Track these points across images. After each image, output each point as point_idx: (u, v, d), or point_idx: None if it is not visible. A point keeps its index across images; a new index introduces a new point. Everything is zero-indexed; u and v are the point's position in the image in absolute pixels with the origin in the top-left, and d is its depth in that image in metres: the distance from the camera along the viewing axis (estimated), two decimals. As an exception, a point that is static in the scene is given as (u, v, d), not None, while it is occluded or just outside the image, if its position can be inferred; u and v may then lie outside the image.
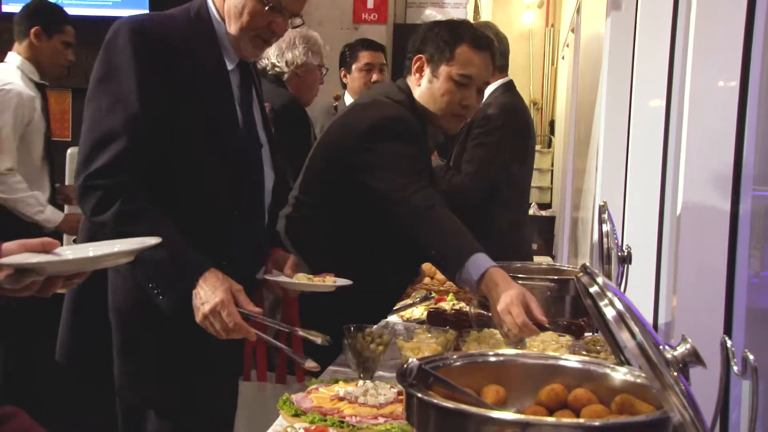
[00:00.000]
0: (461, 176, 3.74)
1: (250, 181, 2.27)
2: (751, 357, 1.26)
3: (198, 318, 2.04)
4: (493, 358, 1.52)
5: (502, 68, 3.98)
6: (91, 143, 2.08)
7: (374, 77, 4.61)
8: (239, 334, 2.04)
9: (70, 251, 1.59)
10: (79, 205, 2.11)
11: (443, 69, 2.70)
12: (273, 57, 3.94)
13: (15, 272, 1.47)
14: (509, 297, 2.19)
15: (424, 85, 2.75)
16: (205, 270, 2.06)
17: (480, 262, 2.31)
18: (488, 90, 3.78)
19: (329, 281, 2.37)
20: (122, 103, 2.08)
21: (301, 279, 2.35)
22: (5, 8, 6.60)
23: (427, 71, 2.74)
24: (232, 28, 2.20)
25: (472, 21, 6.82)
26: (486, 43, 2.74)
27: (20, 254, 1.53)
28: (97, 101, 2.11)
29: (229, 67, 2.23)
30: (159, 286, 2.07)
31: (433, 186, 2.59)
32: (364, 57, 4.60)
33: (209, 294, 2.02)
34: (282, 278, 2.35)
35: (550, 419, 1.32)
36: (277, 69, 3.93)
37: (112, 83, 2.10)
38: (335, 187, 2.73)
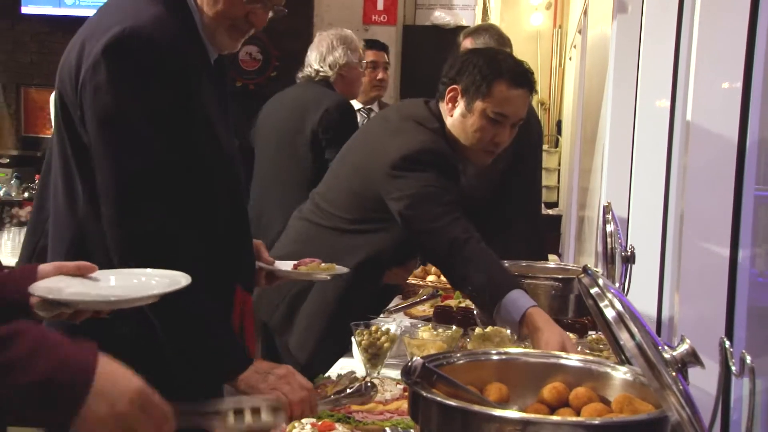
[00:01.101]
0: (466, 177, 3.75)
1: (240, 178, 2.15)
2: (748, 358, 1.28)
3: (269, 381, 1.85)
4: (496, 357, 1.54)
5: None
6: (137, 185, 1.84)
7: (379, 75, 4.70)
8: (310, 398, 1.87)
9: (113, 277, 1.56)
10: (120, 258, 1.83)
11: (478, 105, 2.58)
12: (315, 63, 4.00)
13: (45, 301, 1.45)
14: (549, 346, 2.14)
15: (457, 117, 2.64)
16: (249, 365, 1.89)
17: (519, 301, 2.25)
18: None
19: (327, 268, 2.37)
20: (165, 143, 1.86)
21: (314, 267, 2.35)
22: (24, 10, 6.67)
23: (461, 104, 2.62)
24: (207, 15, 2.00)
25: (480, 21, 6.86)
26: (525, 80, 2.61)
27: (55, 277, 1.51)
28: (124, 134, 1.85)
29: (211, 62, 2.08)
30: (192, 373, 1.90)
31: (467, 217, 2.51)
32: (369, 55, 4.66)
33: (269, 367, 1.89)
34: (279, 267, 2.32)
35: (552, 417, 1.35)
36: (321, 74, 4.00)
37: (142, 111, 1.85)
38: (364, 205, 2.71)
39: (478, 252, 2.38)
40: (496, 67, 2.59)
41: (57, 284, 1.49)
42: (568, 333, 2.33)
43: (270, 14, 2.06)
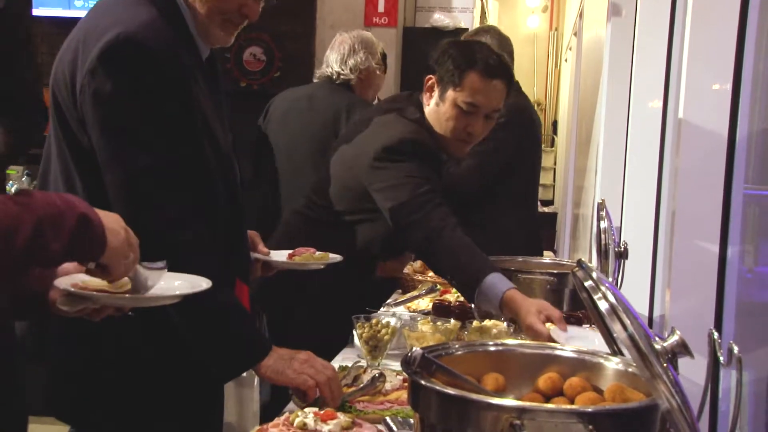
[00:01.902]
0: (461, 168, 3.79)
1: (236, 172, 2.18)
2: (736, 348, 1.32)
3: (294, 366, 1.95)
4: (492, 348, 1.55)
5: None
6: (146, 184, 1.89)
7: None
8: (335, 377, 1.98)
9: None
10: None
11: (450, 94, 2.64)
12: (336, 65, 3.96)
13: (69, 295, 1.49)
14: (530, 318, 2.20)
15: (432, 107, 2.70)
16: (269, 350, 1.97)
17: (497, 286, 2.30)
18: None
19: (321, 257, 2.42)
20: (166, 142, 1.90)
21: (308, 257, 2.41)
22: (35, 12, 6.68)
23: (435, 92, 2.69)
24: (200, 12, 2.01)
25: (478, 24, 6.90)
26: (498, 71, 2.64)
27: (78, 274, 1.54)
28: (127, 137, 1.89)
29: (203, 59, 2.09)
30: (216, 363, 1.98)
31: (447, 204, 2.56)
32: None
33: (291, 352, 1.98)
34: (274, 257, 2.38)
35: (547, 405, 1.36)
36: (343, 77, 3.96)
37: (142, 113, 1.89)
38: (352, 196, 2.77)
39: (455, 240, 2.43)
40: (470, 57, 2.63)
41: (81, 280, 1.53)
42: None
43: (261, 4, 2.07)
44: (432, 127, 2.71)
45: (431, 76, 2.71)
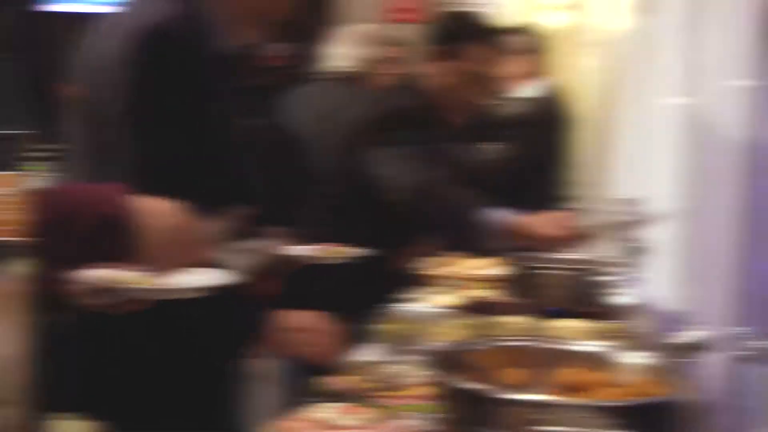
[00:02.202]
0: (494, 157, 3.81)
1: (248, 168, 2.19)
2: (757, 343, 1.33)
3: (292, 338, 2.03)
4: (514, 343, 1.58)
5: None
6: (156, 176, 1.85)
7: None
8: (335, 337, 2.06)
9: None
10: None
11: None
12: (339, 59, 4.00)
13: (93, 289, 1.48)
14: (537, 229, 2.29)
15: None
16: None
17: (492, 220, 2.40)
18: (530, 89, 3.87)
19: (341, 251, 2.45)
20: (183, 138, 1.92)
21: (326, 251, 2.42)
22: (43, 7, 6.69)
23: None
24: (229, 8, 2.02)
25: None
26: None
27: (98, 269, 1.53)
28: (143, 130, 1.92)
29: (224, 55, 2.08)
30: (226, 354, 2.05)
31: (432, 162, 2.63)
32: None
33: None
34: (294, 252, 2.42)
35: (569, 400, 1.37)
36: (346, 71, 3.98)
37: (161, 106, 1.90)
38: (341, 179, 2.83)
39: (441, 193, 2.54)
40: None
41: (101, 273, 1.54)
42: (585, 321, 2.38)
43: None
44: (423, 94, 2.81)
45: None
